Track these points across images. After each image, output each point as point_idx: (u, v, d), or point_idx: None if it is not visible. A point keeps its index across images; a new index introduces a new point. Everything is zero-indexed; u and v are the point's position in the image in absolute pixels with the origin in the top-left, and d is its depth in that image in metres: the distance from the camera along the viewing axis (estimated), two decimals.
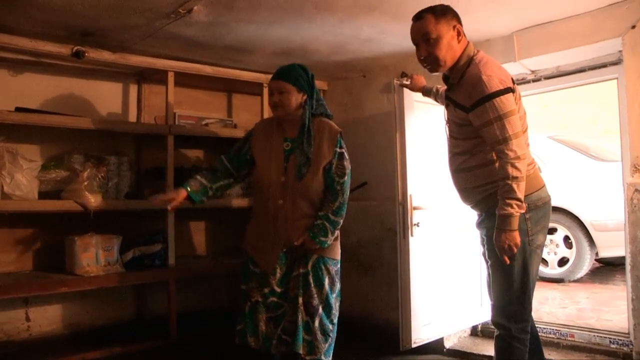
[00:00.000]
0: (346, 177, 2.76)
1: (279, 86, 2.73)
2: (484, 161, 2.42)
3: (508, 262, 2.32)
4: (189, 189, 2.77)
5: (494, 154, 2.36)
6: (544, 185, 2.47)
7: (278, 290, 2.74)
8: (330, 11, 2.96)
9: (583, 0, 2.90)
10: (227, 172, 2.88)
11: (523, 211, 2.27)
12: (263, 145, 2.83)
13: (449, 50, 2.38)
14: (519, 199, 2.25)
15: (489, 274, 2.54)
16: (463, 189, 2.56)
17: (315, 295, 2.70)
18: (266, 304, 2.74)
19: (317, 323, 2.69)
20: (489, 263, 2.49)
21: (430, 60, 2.42)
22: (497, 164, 2.34)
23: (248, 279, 2.80)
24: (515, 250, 2.29)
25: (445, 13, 2.38)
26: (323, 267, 2.75)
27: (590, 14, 3.02)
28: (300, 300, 2.69)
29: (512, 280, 2.39)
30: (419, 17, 2.41)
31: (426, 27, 2.37)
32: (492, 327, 2.55)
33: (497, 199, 2.31)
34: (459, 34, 2.39)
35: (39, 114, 3.20)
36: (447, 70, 2.47)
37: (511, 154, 2.24)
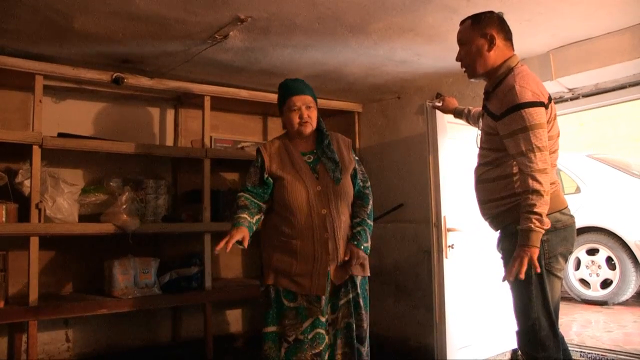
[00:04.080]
0: (369, 183, 2.75)
1: (307, 101, 2.62)
2: (504, 173, 2.35)
3: (510, 278, 2.23)
4: (247, 224, 2.51)
5: (514, 167, 2.30)
6: (564, 208, 2.35)
7: (323, 319, 2.51)
8: (365, 34, 2.97)
9: (621, 16, 2.85)
10: (257, 206, 2.60)
11: (547, 227, 2.17)
12: (285, 165, 2.62)
13: (477, 57, 2.38)
14: (539, 214, 2.14)
15: None
16: (482, 201, 2.49)
17: (364, 319, 2.57)
18: (309, 339, 2.48)
19: (364, 351, 2.56)
20: (509, 287, 2.40)
21: (462, 64, 2.48)
22: (517, 177, 2.27)
23: (281, 318, 2.53)
24: (525, 266, 2.17)
25: (480, 20, 2.38)
26: (364, 288, 2.63)
27: (629, 29, 2.96)
28: (354, 326, 2.53)
29: (531, 305, 2.29)
30: (461, 23, 2.47)
31: (460, 32, 2.45)
32: None
33: (512, 216, 2.25)
34: (492, 42, 2.36)
35: (78, 139, 3.29)
36: (485, 79, 2.46)
37: (534, 166, 2.16)
